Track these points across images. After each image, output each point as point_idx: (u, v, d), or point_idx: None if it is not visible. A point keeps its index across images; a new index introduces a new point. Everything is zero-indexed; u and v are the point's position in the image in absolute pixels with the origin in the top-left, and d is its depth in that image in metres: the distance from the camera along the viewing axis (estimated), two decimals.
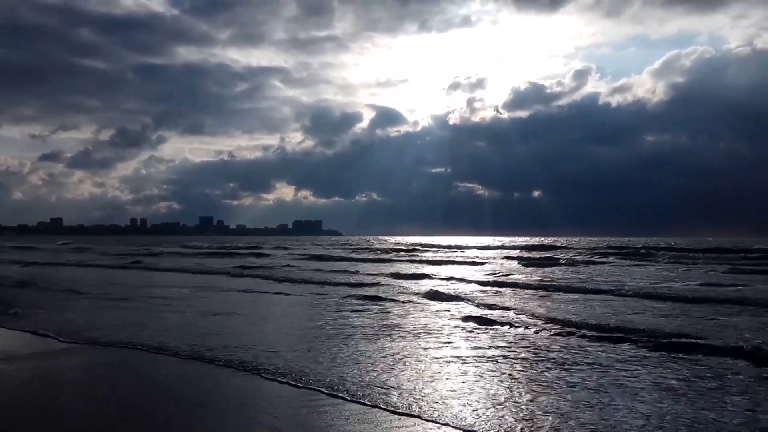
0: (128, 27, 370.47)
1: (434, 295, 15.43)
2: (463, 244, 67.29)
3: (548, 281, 19.59)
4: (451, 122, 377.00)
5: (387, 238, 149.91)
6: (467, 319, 11.55)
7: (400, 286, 18.39)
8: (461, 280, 21.12)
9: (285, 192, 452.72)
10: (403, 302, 14.27)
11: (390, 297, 15.22)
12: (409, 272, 24.43)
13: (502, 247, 59.24)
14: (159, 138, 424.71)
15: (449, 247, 59.40)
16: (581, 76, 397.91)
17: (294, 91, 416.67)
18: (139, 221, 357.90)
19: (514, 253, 45.64)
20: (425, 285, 18.89)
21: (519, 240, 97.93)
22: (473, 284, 19.56)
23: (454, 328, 10.56)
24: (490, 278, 21.77)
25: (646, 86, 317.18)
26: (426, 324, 10.97)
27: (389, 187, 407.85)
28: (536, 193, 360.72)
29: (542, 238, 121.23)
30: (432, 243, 71.21)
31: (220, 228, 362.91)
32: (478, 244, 68.27)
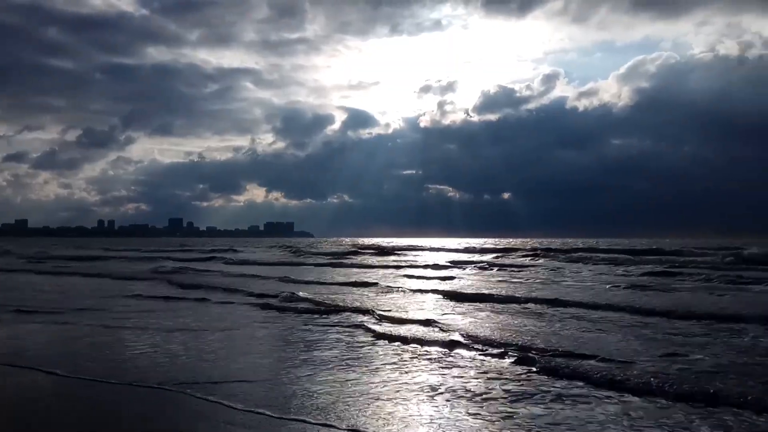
0: (96, 26, 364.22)
1: (333, 308, 14.13)
2: (420, 245, 66.02)
3: (459, 288, 18.86)
4: (422, 125, 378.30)
5: (345, 239, 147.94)
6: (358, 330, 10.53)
7: (300, 294, 16.68)
8: (372, 285, 19.80)
9: (256, 194, 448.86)
10: (299, 312, 13.12)
11: (284, 306, 14.07)
12: (333, 280, 23.18)
13: (451, 249, 57.66)
14: (127, 138, 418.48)
15: (399, 249, 57.71)
16: (549, 80, 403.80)
17: (265, 92, 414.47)
18: (107, 223, 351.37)
19: (458, 256, 43.93)
20: (334, 292, 17.74)
21: (477, 242, 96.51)
22: (373, 290, 18.36)
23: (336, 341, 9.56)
24: (404, 283, 20.61)
25: (612, 91, 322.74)
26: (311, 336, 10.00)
27: (361, 188, 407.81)
28: (506, 195, 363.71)
29: (509, 240, 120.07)
30: (382, 244, 68.95)
31: (191, 230, 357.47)
32: (433, 246, 66.47)
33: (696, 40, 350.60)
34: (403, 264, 32.77)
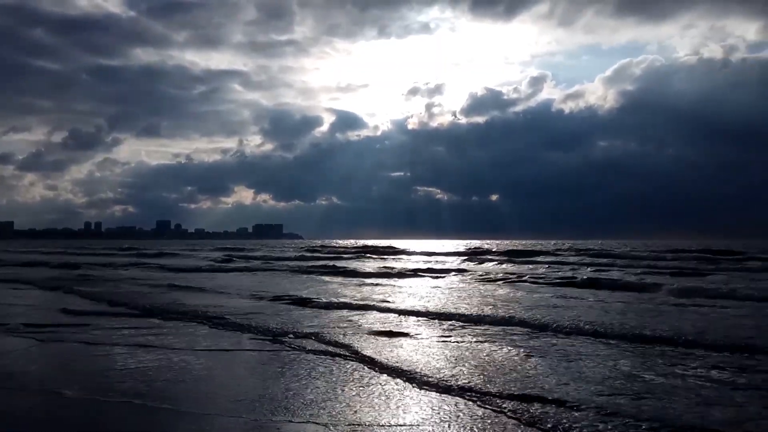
0: (83, 27, 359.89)
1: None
2: (394, 247, 63.35)
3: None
4: (410, 127, 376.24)
5: (319, 241, 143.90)
6: None
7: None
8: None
9: (244, 195, 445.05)
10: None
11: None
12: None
13: (418, 252, 54.87)
14: (114, 140, 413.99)
15: (354, 251, 54.35)
16: (537, 82, 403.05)
17: (253, 94, 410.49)
18: (94, 225, 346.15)
19: (407, 263, 40.55)
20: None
21: (454, 244, 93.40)
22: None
23: None
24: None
25: (598, 93, 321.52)
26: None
27: (349, 190, 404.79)
28: (494, 197, 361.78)
29: (490, 242, 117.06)
30: (348, 246, 65.45)
31: (178, 232, 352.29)
32: (407, 248, 63.71)
33: (681, 43, 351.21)
34: (331, 270, 29.12)
